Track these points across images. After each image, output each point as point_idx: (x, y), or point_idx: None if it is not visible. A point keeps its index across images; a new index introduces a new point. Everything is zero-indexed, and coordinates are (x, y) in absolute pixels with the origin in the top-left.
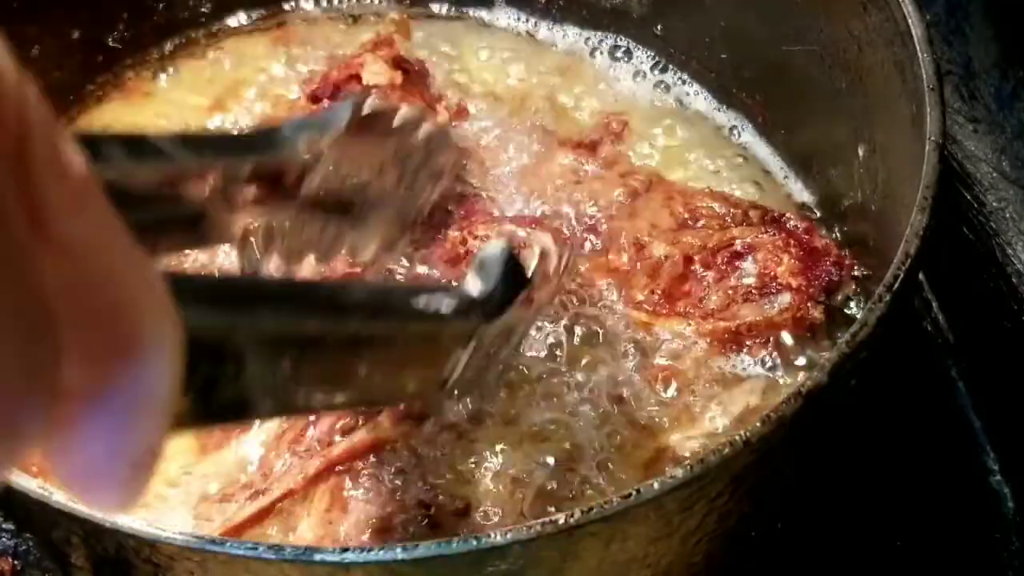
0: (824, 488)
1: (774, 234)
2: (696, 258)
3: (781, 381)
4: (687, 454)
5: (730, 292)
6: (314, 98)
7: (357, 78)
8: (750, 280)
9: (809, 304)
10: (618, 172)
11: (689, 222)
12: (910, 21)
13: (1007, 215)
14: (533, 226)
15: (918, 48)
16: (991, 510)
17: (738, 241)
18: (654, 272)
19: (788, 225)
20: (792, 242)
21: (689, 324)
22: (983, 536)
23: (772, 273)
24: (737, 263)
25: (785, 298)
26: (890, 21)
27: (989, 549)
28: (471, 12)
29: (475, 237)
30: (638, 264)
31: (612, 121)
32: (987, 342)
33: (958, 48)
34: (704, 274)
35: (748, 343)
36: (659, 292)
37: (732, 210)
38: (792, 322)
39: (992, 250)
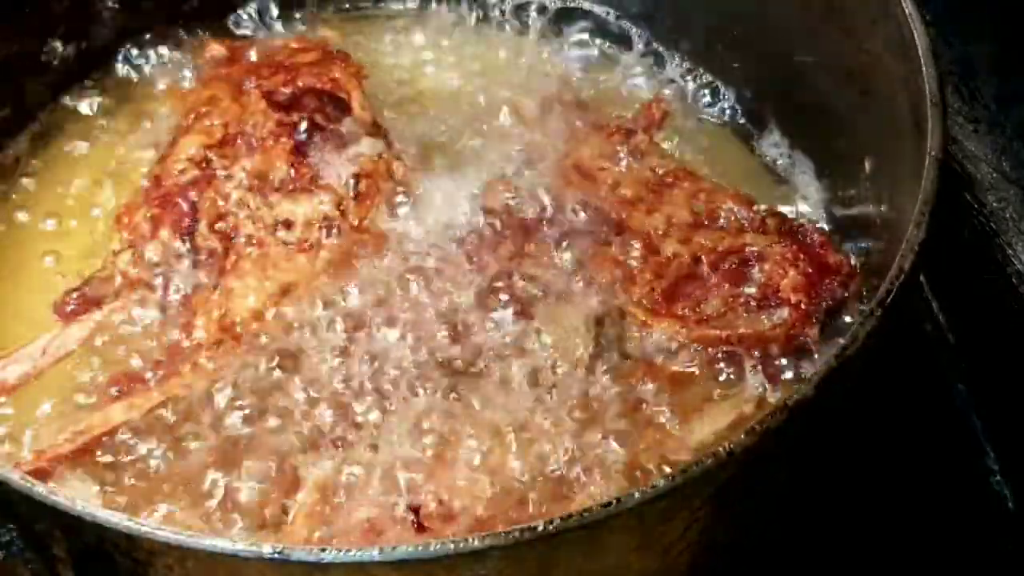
0: (824, 490)
1: (786, 245)
2: (704, 260)
3: (771, 397)
4: (678, 460)
5: (730, 300)
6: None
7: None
8: (752, 290)
9: (805, 322)
10: (648, 164)
11: (706, 221)
12: (916, 35)
13: (1007, 215)
14: None
15: (923, 63)
16: (992, 510)
17: (748, 248)
18: (659, 270)
19: (804, 237)
20: (802, 256)
21: (683, 328)
22: (984, 536)
23: (775, 285)
24: (743, 270)
25: (783, 313)
26: (897, 35)
27: (990, 549)
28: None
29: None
30: (646, 260)
31: (654, 109)
32: (987, 343)
33: (958, 49)
34: (708, 277)
35: (738, 352)
36: (660, 291)
37: (752, 215)
38: (784, 338)
39: (992, 251)
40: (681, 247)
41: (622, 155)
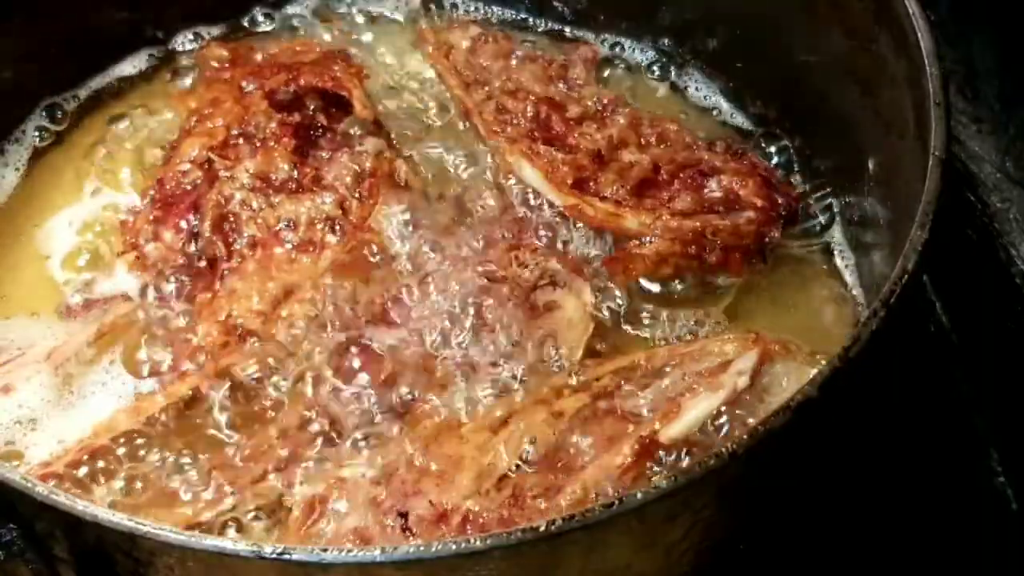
0: (826, 490)
1: (739, 163)
2: (663, 168)
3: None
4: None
5: (697, 199)
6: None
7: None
8: (716, 195)
9: (771, 222)
10: (587, 92)
11: (655, 142)
12: (919, 35)
13: (1010, 215)
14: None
15: (926, 63)
16: (995, 511)
17: (705, 163)
18: (623, 172)
19: (751, 159)
20: (757, 171)
21: (658, 218)
22: (987, 536)
23: (737, 193)
24: (703, 180)
25: (750, 214)
26: (900, 34)
27: (993, 549)
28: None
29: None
30: (604, 165)
31: (585, 49)
32: (991, 343)
33: (961, 49)
34: (671, 182)
35: (712, 253)
36: (627, 188)
37: (698, 141)
38: (755, 235)
39: (995, 251)
40: (639, 155)
41: (561, 85)
